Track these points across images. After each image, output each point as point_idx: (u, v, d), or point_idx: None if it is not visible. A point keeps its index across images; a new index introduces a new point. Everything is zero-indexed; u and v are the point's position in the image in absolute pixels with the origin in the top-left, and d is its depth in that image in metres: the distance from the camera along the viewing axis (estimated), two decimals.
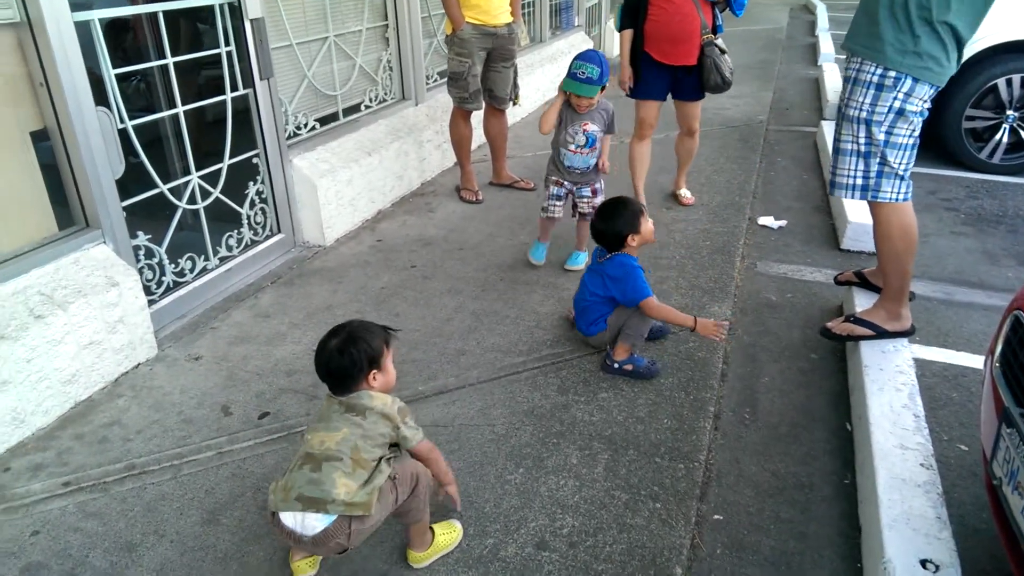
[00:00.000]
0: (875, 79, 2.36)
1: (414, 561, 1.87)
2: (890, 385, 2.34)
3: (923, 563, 1.66)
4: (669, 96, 3.92)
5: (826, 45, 9.03)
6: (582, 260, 3.46)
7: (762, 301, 3.19)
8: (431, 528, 1.91)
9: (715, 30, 3.74)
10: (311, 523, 1.63)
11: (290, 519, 1.64)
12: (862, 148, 2.45)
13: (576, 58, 3.17)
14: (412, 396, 2.54)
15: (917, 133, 2.43)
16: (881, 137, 2.41)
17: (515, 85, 4.32)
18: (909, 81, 2.32)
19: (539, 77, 6.69)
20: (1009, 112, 4.64)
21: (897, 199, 2.48)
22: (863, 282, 3.00)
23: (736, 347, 2.85)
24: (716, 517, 2.04)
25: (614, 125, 3.33)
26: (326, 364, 1.73)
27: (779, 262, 3.57)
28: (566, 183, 3.38)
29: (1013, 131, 4.68)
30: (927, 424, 2.22)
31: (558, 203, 3.41)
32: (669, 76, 3.80)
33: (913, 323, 2.65)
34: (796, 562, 1.90)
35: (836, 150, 2.56)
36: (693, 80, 3.78)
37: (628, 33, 3.78)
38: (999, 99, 4.65)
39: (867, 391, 2.33)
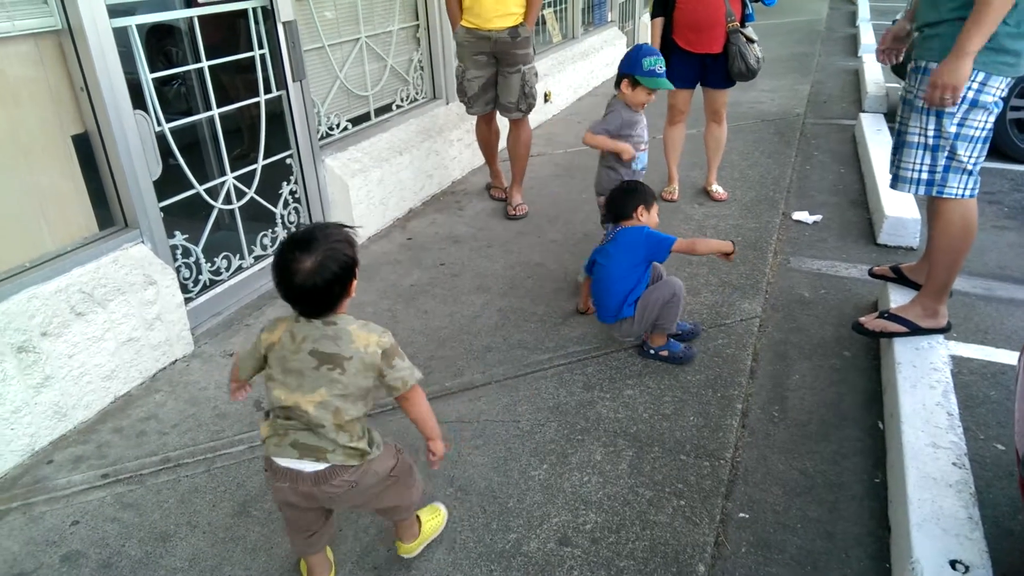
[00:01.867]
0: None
1: (405, 552, 1.88)
2: (923, 383, 2.29)
3: (952, 564, 1.63)
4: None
5: (867, 36, 8.81)
6: None
7: (794, 297, 3.14)
8: (416, 516, 1.89)
9: (744, 19, 3.79)
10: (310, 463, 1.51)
11: (287, 461, 1.53)
12: (930, 141, 2.36)
13: (641, 55, 2.96)
14: (439, 392, 2.56)
15: (991, 126, 2.33)
16: (952, 129, 2.31)
17: (524, 94, 3.97)
18: (983, 73, 2.23)
19: (571, 74, 6.67)
20: None
21: (963, 195, 2.39)
22: (899, 277, 2.93)
23: (766, 344, 2.81)
24: (742, 515, 2.02)
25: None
26: (300, 285, 1.44)
27: (813, 258, 3.51)
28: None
29: None
30: (963, 422, 2.17)
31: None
32: (697, 64, 3.90)
33: (949, 320, 2.58)
34: (823, 562, 1.87)
35: (901, 143, 2.46)
36: (720, 68, 3.84)
37: (659, 21, 3.93)
38: None
39: (899, 388, 2.28)
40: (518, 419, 2.41)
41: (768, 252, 3.50)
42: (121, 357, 2.60)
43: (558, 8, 6.95)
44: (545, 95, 6.10)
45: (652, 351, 2.70)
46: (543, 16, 6.63)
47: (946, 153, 2.34)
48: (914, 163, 2.42)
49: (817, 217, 3.93)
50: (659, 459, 2.19)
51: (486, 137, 4.32)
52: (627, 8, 9.15)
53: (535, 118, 6.02)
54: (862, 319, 2.67)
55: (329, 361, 1.49)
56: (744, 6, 3.82)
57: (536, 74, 4.03)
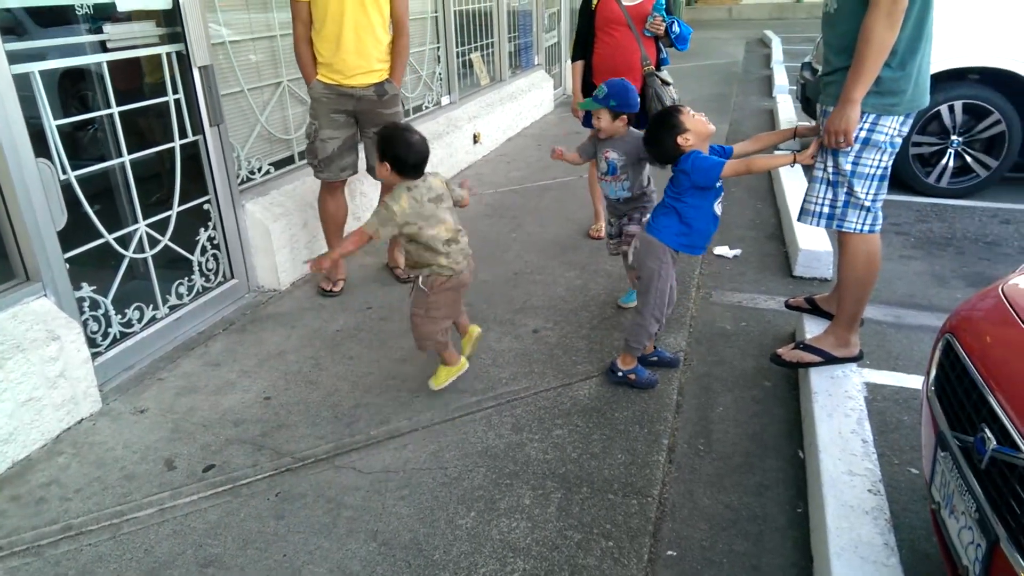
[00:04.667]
0: None
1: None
2: (839, 411, 2.35)
3: None
4: None
5: (780, 77, 9.28)
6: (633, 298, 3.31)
7: (717, 330, 3.21)
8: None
9: (659, 63, 3.92)
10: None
11: (469, 268, 2.63)
12: (830, 177, 2.47)
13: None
14: (364, 441, 2.49)
15: (886, 164, 2.43)
16: (848, 167, 2.42)
17: None
18: (872, 115, 2.35)
19: (500, 115, 6.77)
20: (953, 137, 4.78)
21: (862, 230, 2.49)
22: (814, 308, 3.03)
23: (691, 377, 2.85)
24: (669, 553, 2.02)
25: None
26: (424, 152, 2.49)
27: (734, 291, 3.61)
28: (612, 220, 3.20)
29: (958, 155, 4.82)
30: (878, 448, 2.23)
31: (611, 242, 3.22)
32: None
33: (862, 349, 2.68)
34: None
35: (811, 178, 2.56)
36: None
37: (579, 65, 4.04)
38: (943, 125, 4.79)
39: (816, 417, 2.34)
40: (445, 466, 2.35)
41: (691, 286, 3.58)
42: (20, 419, 2.44)
43: (485, 52, 7.08)
44: (474, 136, 6.16)
45: (620, 373, 2.73)
46: (471, 60, 6.74)
47: (844, 189, 2.46)
48: (817, 197, 2.53)
49: (737, 251, 4.06)
50: (588, 499, 2.17)
51: (333, 213, 3.64)
52: (554, 52, 9.40)
53: (466, 159, 6.08)
54: (779, 350, 2.74)
55: (439, 198, 2.53)
56: (659, 50, 3.98)
57: None
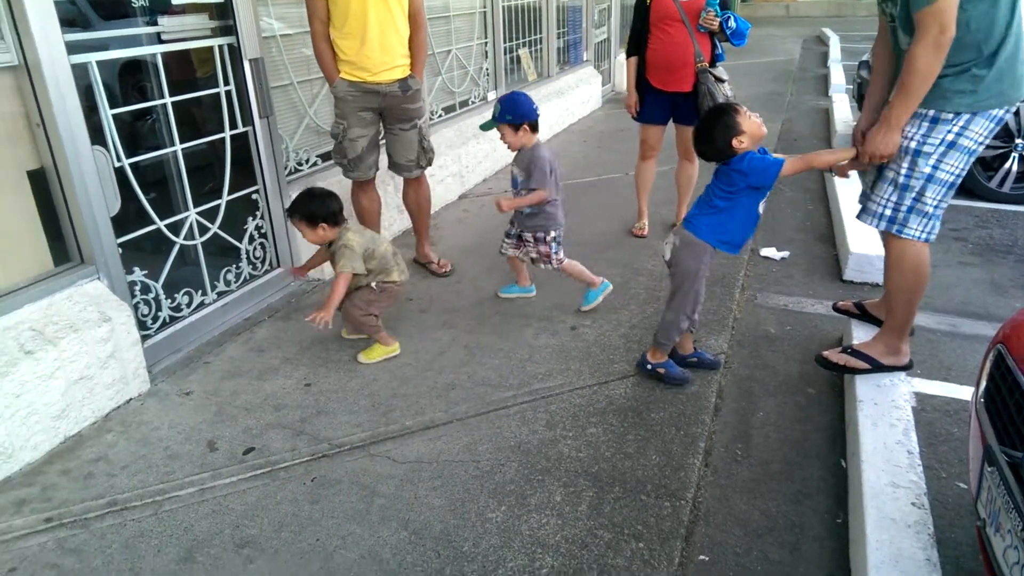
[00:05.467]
0: (931, 113, 2.28)
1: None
2: (884, 420, 2.27)
3: None
4: None
5: (837, 76, 9.03)
6: (590, 299, 3.34)
7: (760, 334, 3.14)
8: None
9: (713, 59, 3.89)
10: None
11: None
12: (901, 179, 2.36)
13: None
14: (399, 431, 2.52)
15: (963, 171, 2.33)
16: (926, 170, 2.32)
17: (424, 149, 3.65)
18: (966, 116, 2.25)
19: (546, 111, 6.74)
20: (1018, 141, 4.58)
21: (920, 237, 2.39)
22: (863, 313, 2.94)
23: (731, 381, 2.79)
24: (701, 558, 1.98)
25: (540, 177, 3.06)
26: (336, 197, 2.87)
27: (780, 294, 3.52)
28: (515, 224, 3.32)
29: (1022, 160, 4.61)
30: (924, 461, 2.15)
31: (507, 240, 3.35)
32: (668, 102, 4.01)
33: (911, 358, 2.59)
34: None
35: (878, 176, 2.46)
36: (689, 106, 3.92)
37: (632, 61, 4.07)
38: (1007, 128, 4.59)
39: (860, 426, 2.27)
40: (478, 459, 2.36)
41: (735, 288, 3.51)
42: (72, 396, 2.53)
43: (534, 48, 7.06)
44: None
45: (650, 366, 2.73)
46: (518, 55, 6.73)
47: (913, 194, 2.35)
48: (882, 198, 2.42)
49: (785, 253, 3.96)
50: (619, 500, 2.15)
51: (368, 208, 3.70)
52: (603, 48, 9.32)
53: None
54: (825, 352, 2.67)
55: None
56: (714, 46, 3.94)
57: (428, 126, 3.67)
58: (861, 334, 2.80)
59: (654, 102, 4.03)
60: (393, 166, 3.70)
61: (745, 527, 2.08)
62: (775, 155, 2.46)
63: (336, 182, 3.96)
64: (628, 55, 4.11)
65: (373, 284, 2.95)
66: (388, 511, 2.15)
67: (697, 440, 2.42)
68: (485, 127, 3.18)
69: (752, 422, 2.56)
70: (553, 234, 3.22)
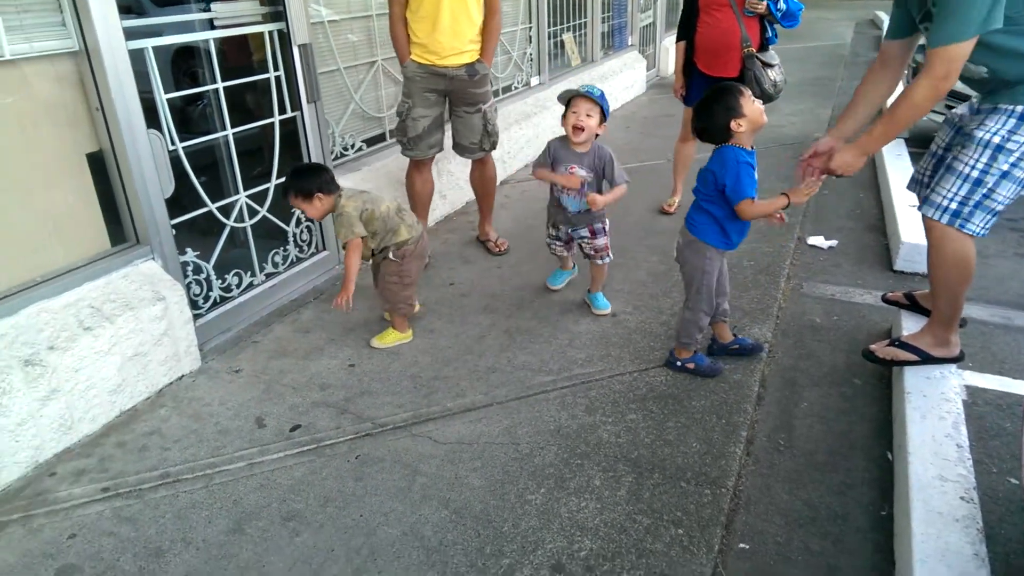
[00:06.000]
0: (1019, 109, 2.18)
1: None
2: (933, 413, 2.22)
3: None
4: None
5: None
6: (603, 304, 3.21)
7: (805, 323, 3.09)
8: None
9: (764, 43, 3.84)
10: None
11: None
12: (975, 173, 2.26)
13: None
14: (441, 412, 2.55)
15: None
16: (1004, 167, 2.22)
17: (488, 133, 3.68)
18: None
19: None
20: None
21: (978, 233, 2.31)
22: (912, 304, 2.87)
23: (775, 370, 2.76)
24: (742, 546, 1.97)
25: (613, 173, 2.97)
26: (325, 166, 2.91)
27: (827, 283, 3.45)
28: (561, 226, 3.17)
29: None
30: (975, 455, 2.10)
31: (558, 243, 3.25)
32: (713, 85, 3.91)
33: (962, 350, 2.52)
34: None
35: (946, 168, 2.35)
36: None
37: (682, 45, 4.10)
38: None
39: (908, 418, 2.22)
40: (518, 442, 2.38)
41: (781, 277, 3.45)
42: (128, 372, 2.63)
43: (578, 32, 7.00)
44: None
45: (679, 363, 2.72)
46: (562, 40, 6.69)
47: (984, 189, 2.24)
48: (949, 191, 2.31)
49: (833, 242, 3.88)
50: (659, 486, 2.15)
51: (420, 189, 3.77)
52: (648, 32, 9.19)
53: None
54: (872, 346, 2.61)
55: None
56: (764, 30, 3.89)
57: (496, 110, 3.73)
58: (911, 325, 2.73)
59: (700, 86, 4.00)
60: (457, 147, 3.78)
61: (786, 517, 2.07)
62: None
63: (380, 167, 4.02)
64: (678, 39, 4.13)
65: (391, 255, 2.89)
66: (429, 490, 2.19)
67: (739, 429, 2.40)
68: (591, 90, 2.88)
69: (796, 412, 2.52)
70: (606, 225, 3.16)
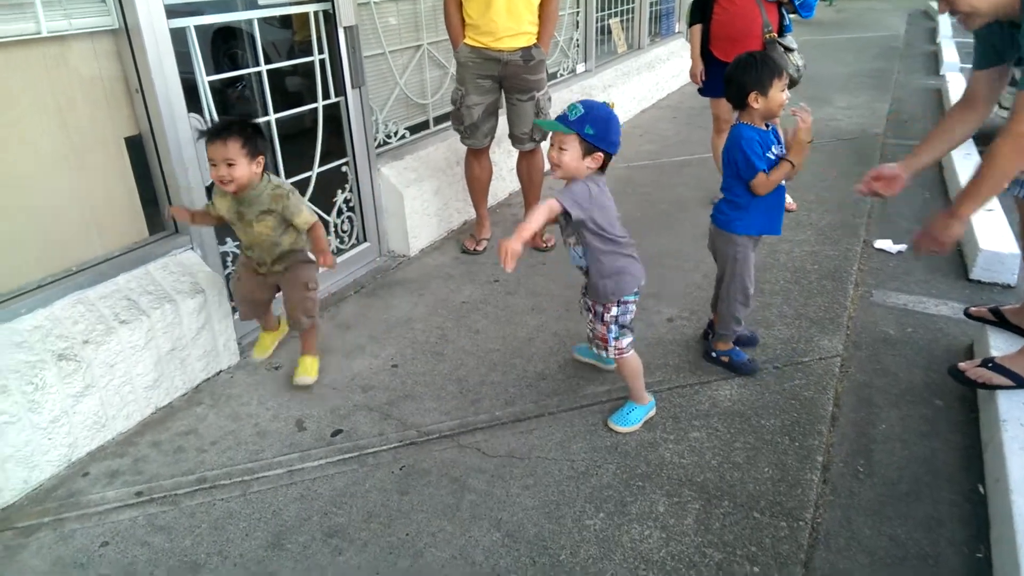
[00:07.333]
0: None
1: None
2: None
3: None
4: None
5: (949, 53, 8.35)
6: (628, 421, 2.35)
7: (878, 335, 2.87)
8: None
9: (782, 30, 3.74)
10: None
11: None
12: None
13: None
14: (489, 421, 2.40)
15: None
16: None
17: None
18: None
19: (635, 85, 6.47)
20: None
21: None
22: (1000, 320, 2.65)
23: (849, 387, 2.56)
24: None
25: (588, 213, 2.10)
26: None
27: (898, 291, 3.23)
28: (582, 293, 2.38)
29: None
30: None
31: (583, 298, 2.36)
32: None
33: None
34: None
35: None
36: None
37: (697, 28, 3.90)
38: None
39: (1006, 449, 2.02)
40: (572, 458, 2.22)
41: (848, 283, 3.24)
42: (164, 367, 2.52)
43: (624, 18, 6.77)
44: (608, 106, 5.91)
45: (715, 354, 2.67)
46: (609, 25, 6.46)
47: None
48: None
49: (902, 246, 3.64)
50: (729, 515, 1.98)
51: (479, 176, 3.63)
52: None
53: None
54: (961, 365, 2.40)
55: None
56: (782, 17, 3.78)
57: (550, 99, 3.54)
58: (1000, 344, 2.51)
59: (717, 74, 3.80)
60: (510, 136, 3.63)
61: (871, 555, 1.88)
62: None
63: (424, 155, 3.87)
64: (691, 23, 3.93)
65: (309, 253, 2.53)
66: (479, 508, 2.04)
67: (813, 453, 2.21)
68: (547, 126, 2.21)
69: (873, 435, 2.33)
70: (614, 312, 2.21)
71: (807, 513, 1.98)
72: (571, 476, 2.15)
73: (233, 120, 2.28)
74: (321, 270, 2.59)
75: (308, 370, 2.63)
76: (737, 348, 2.65)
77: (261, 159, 2.28)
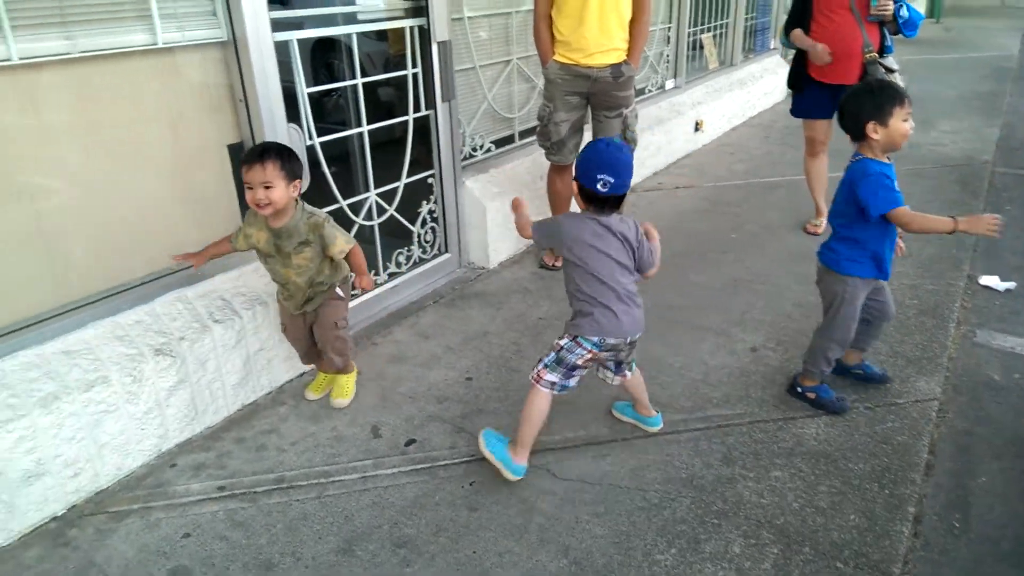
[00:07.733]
0: None
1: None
2: None
3: None
4: None
5: None
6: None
7: (981, 379, 2.69)
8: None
9: (882, 50, 3.58)
10: None
11: None
12: None
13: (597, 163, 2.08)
14: (561, 443, 2.38)
15: None
16: None
17: (625, 139, 3.40)
18: None
19: (726, 102, 6.32)
20: None
21: None
22: None
23: (946, 434, 2.40)
24: None
25: (548, 243, 2.35)
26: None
27: (1005, 332, 3.01)
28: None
29: None
30: None
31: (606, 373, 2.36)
32: (830, 95, 3.64)
33: None
34: None
35: None
36: None
37: (798, 31, 3.70)
38: None
39: None
40: (645, 488, 2.17)
41: (950, 321, 3.05)
42: (252, 366, 2.61)
43: (717, 33, 6.63)
44: (696, 124, 5.80)
45: (800, 389, 2.55)
46: (700, 40, 6.34)
47: None
48: None
49: (1010, 284, 3.40)
50: (810, 563, 1.89)
51: (561, 191, 3.56)
52: None
53: (684, 147, 5.74)
54: None
55: None
56: (883, 36, 3.60)
57: (637, 116, 3.50)
58: None
59: (816, 95, 3.73)
60: None
61: None
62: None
63: (509, 169, 3.89)
64: (788, 29, 3.77)
65: (338, 290, 2.48)
66: (547, 532, 2.02)
67: (905, 503, 2.08)
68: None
69: (972, 487, 2.17)
70: (563, 342, 2.12)
71: (895, 568, 1.87)
72: (643, 507, 2.10)
73: (271, 144, 2.27)
74: (356, 299, 2.62)
75: (343, 391, 2.62)
76: (825, 385, 2.53)
77: (298, 183, 2.26)
